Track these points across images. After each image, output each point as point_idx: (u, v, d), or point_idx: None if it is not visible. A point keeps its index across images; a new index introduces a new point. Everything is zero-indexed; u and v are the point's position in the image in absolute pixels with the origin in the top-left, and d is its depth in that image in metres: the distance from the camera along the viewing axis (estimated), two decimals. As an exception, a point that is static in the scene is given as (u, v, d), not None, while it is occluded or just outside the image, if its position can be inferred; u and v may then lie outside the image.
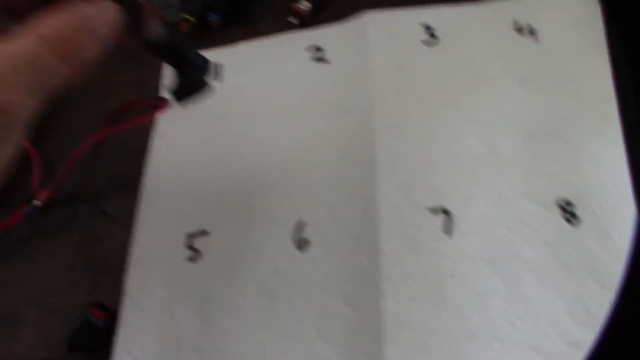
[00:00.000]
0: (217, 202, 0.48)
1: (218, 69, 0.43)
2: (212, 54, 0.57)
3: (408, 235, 0.42)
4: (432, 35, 0.51)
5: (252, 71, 0.55)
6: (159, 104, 0.52)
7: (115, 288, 0.47)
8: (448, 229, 0.42)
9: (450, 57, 0.50)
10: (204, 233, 0.47)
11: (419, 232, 0.42)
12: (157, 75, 0.58)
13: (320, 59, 0.53)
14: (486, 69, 0.49)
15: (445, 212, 0.43)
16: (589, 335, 0.35)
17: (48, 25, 0.27)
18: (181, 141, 0.53)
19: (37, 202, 0.51)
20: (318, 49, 0.54)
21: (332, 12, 0.57)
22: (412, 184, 0.44)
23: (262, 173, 0.49)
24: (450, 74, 0.49)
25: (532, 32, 0.50)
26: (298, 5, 0.55)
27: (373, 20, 0.53)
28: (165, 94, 0.53)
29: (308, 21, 0.56)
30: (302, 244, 0.44)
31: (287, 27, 0.57)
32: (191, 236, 0.47)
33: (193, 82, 0.36)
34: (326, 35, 0.54)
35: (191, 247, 0.47)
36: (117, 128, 0.53)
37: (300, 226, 0.45)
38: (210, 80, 0.37)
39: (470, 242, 0.42)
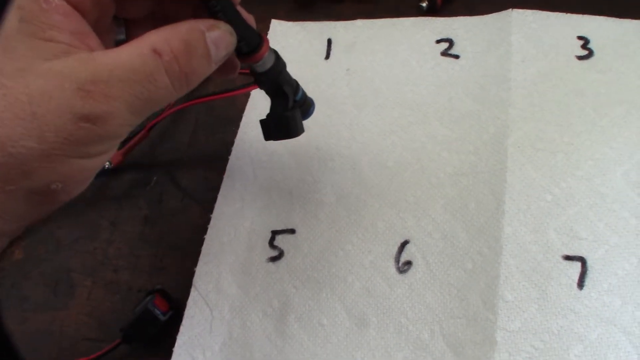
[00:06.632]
0: (311, 198, 0.42)
1: (312, 106, 0.39)
2: (322, 27, 0.51)
3: (535, 283, 0.36)
4: (586, 48, 0.44)
5: (367, 55, 0.48)
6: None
7: (180, 272, 0.43)
8: (583, 283, 0.36)
9: (604, 78, 0.42)
10: (290, 232, 0.41)
11: (548, 283, 0.36)
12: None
13: (448, 54, 0.46)
14: (644, 98, 0.41)
15: (583, 262, 0.36)
16: None
17: (162, 39, 0.25)
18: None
19: (106, 163, 0.45)
20: (449, 41, 0.46)
21: (466, 2, 0.50)
22: (547, 223, 0.38)
23: (368, 175, 0.42)
24: (601, 98, 0.42)
25: None
26: (433, -13, 0.48)
27: (520, 20, 0.45)
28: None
29: (439, 8, 0.49)
30: (403, 265, 0.38)
31: (411, 10, 0.50)
32: (275, 233, 0.41)
33: (285, 118, 0.35)
34: (460, 27, 0.47)
35: (274, 246, 0.41)
36: (207, 97, 0.47)
37: (404, 244, 0.39)
38: (301, 120, 0.36)
39: (608, 304, 0.35)
